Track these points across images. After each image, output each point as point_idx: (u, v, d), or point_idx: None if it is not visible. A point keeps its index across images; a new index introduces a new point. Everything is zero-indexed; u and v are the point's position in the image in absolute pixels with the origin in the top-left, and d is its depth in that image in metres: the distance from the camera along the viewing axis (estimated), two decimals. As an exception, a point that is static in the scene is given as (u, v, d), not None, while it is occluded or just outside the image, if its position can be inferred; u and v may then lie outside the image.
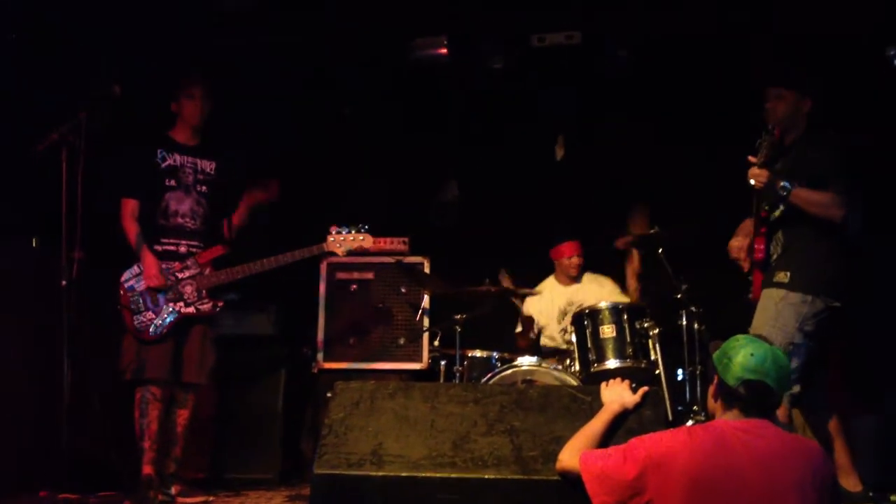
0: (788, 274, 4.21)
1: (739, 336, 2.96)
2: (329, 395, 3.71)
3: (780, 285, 4.20)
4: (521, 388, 3.94)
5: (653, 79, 5.92)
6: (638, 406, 3.38)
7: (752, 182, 4.12)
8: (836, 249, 4.22)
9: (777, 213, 4.29)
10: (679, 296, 5.22)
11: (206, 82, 5.02)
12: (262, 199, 5.13)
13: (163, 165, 4.94)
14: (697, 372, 5.30)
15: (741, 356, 2.87)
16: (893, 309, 5.06)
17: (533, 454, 3.33)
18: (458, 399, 3.55)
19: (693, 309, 5.22)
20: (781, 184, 4.10)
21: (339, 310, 6.05)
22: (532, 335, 6.07)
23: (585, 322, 5.11)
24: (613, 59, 5.96)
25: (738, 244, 4.55)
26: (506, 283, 5.84)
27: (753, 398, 2.85)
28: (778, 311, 4.16)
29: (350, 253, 5.07)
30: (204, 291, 4.87)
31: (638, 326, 5.05)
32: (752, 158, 4.13)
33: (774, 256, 4.32)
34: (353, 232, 4.99)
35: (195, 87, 4.98)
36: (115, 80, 4.65)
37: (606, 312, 5.09)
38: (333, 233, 4.99)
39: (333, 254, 5.04)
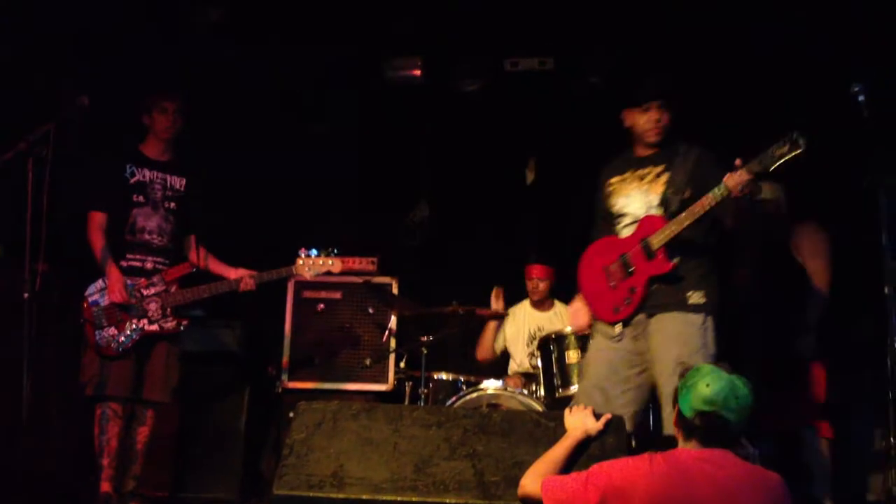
0: (703, 294, 4.04)
1: (704, 365, 2.97)
2: (291, 414, 3.70)
3: (697, 308, 4.01)
4: (484, 412, 3.93)
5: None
6: (601, 433, 3.40)
7: (740, 189, 3.74)
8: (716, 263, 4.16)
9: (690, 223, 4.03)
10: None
11: (180, 97, 4.99)
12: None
13: (132, 180, 4.90)
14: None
15: (699, 387, 2.87)
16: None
17: (495, 479, 3.34)
18: (422, 422, 3.55)
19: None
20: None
21: (306, 329, 6.03)
22: (493, 349, 6.06)
23: (551, 347, 5.12)
24: (585, 86, 6.01)
25: None
26: (498, 302, 5.86)
27: (709, 431, 2.87)
28: (704, 340, 3.98)
29: (318, 276, 5.05)
30: (169, 309, 4.82)
31: (604, 352, 5.05)
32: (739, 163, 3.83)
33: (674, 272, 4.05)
34: (321, 255, 4.97)
35: (169, 101, 4.95)
36: (84, 91, 4.61)
37: (572, 338, 5.09)
38: (302, 256, 4.96)
39: (301, 277, 5.04)
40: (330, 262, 4.99)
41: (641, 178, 4.24)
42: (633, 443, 4.23)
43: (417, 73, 6.23)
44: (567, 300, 5.98)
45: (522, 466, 3.25)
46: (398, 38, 6.00)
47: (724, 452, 2.86)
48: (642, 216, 4.15)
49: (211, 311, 5.76)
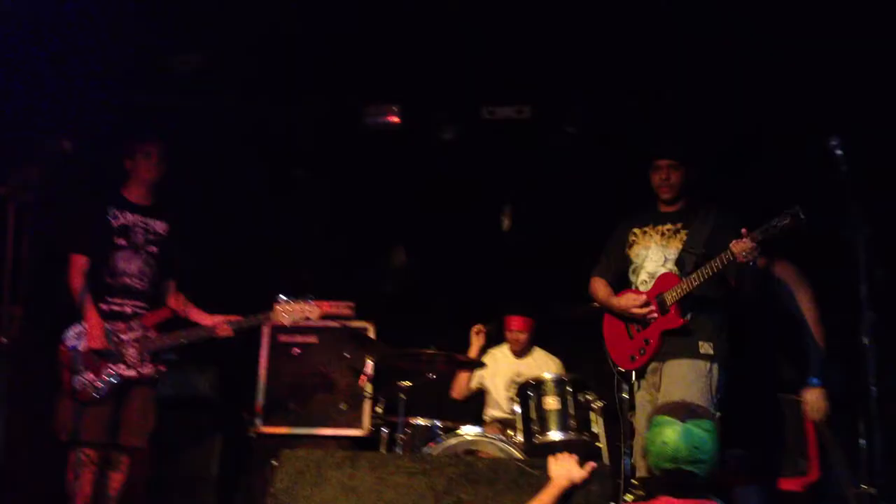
0: (712, 346, 4.41)
1: (659, 418, 2.99)
2: (274, 462, 3.68)
3: (705, 357, 4.39)
4: (469, 459, 3.93)
5: (602, 154, 6.04)
6: (586, 481, 3.42)
7: (744, 255, 4.09)
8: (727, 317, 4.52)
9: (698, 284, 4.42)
10: (622, 369, 5.25)
11: (163, 142, 5.00)
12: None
13: (114, 223, 4.88)
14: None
15: (657, 445, 2.92)
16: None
17: (480, 528, 3.34)
18: (406, 470, 3.55)
19: (634, 382, 5.24)
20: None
21: (280, 373, 6.02)
22: (469, 387, 6.06)
23: (530, 393, 5.13)
24: (562, 135, 6.09)
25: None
26: (479, 338, 5.88)
27: (677, 486, 2.91)
28: (709, 383, 4.35)
29: (296, 323, 5.04)
30: (147, 354, 4.79)
31: (581, 399, 5.08)
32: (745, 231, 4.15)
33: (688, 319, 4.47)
34: (300, 302, 4.97)
35: (152, 145, 4.96)
36: (66, 135, 4.60)
37: (550, 384, 5.11)
38: (281, 302, 4.95)
39: (282, 325, 5.03)
40: (308, 308, 4.98)
41: (662, 234, 4.65)
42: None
43: (395, 119, 6.26)
44: (546, 346, 6.06)
45: (508, 515, 3.27)
46: (376, 84, 6.02)
47: (706, 501, 2.90)
48: (658, 271, 4.59)
49: (184, 354, 5.70)
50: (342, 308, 5.79)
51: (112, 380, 4.69)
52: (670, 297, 4.47)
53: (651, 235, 4.71)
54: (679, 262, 4.55)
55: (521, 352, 6.03)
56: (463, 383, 6.10)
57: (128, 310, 4.84)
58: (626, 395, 4.77)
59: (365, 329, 5.92)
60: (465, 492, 3.46)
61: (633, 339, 4.66)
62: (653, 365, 4.56)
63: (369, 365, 5.89)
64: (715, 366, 4.40)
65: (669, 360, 4.48)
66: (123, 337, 4.76)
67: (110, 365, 4.70)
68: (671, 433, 2.89)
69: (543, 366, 5.92)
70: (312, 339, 6.06)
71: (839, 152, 3.73)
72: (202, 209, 5.80)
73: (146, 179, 4.97)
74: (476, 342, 5.98)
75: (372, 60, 5.75)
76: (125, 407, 4.77)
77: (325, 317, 5.49)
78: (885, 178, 4.72)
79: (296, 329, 5.91)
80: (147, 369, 4.80)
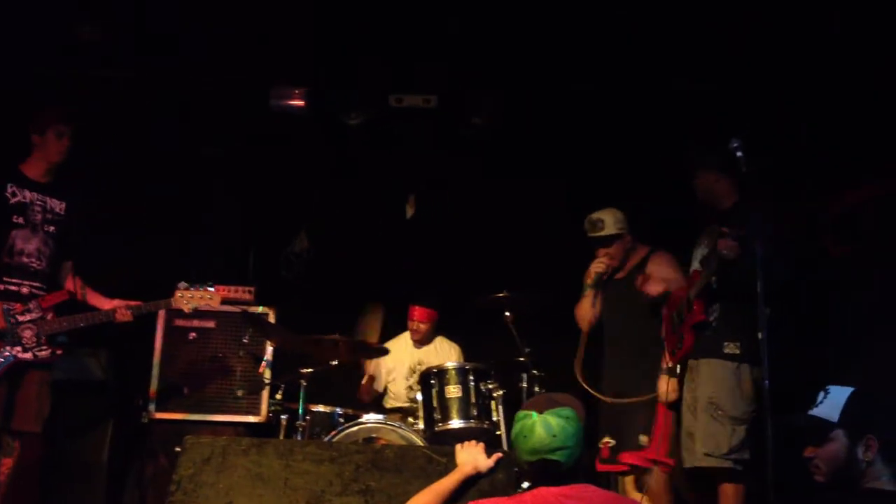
0: (738, 345, 4.49)
1: (519, 413, 3.08)
2: (178, 449, 3.61)
3: (731, 357, 4.48)
4: (377, 447, 3.94)
5: (509, 144, 6.11)
6: (491, 470, 3.47)
7: (725, 252, 4.28)
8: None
9: (714, 279, 4.56)
10: (522, 359, 5.35)
11: (75, 121, 4.83)
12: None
13: (12, 201, 4.69)
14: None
15: (519, 440, 3.02)
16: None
17: (388, 515, 3.36)
18: (314, 457, 3.54)
19: (535, 372, 5.35)
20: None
21: (176, 358, 5.89)
22: (376, 389, 6.07)
23: (432, 381, 5.16)
24: (468, 126, 6.13)
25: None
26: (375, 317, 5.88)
27: (545, 475, 3.00)
28: (738, 381, 4.45)
29: (196, 310, 4.97)
30: (43, 337, 4.64)
31: (483, 388, 5.14)
32: (725, 230, 4.34)
33: (713, 323, 4.58)
34: (201, 289, 4.89)
35: (66, 125, 4.78)
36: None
37: (453, 373, 5.15)
38: (181, 289, 4.88)
39: (180, 310, 4.95)
40: (209, 296, 4.91)
41: (709, 235, 4.72)
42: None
43: (301, 103, 6.19)
44: (449, 334, 6.11)
45: (415, 502, 3.29)
46: (285, 68, 5.95)
47: (584, 486, 2.99)
48: (692, 269, 4.76)
49: (75, 337, 5.54)
50: (242, 293, 5.72)
51: (5, 362, 4.51)
52: (692, 292, 4.62)
53: (706, 235, 4.75)
54: (703, 260, 4.68)
55: (421, 341, 6.07)
56: (368, 387, 6.10)
57: (24, 290, 4.66)
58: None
59: (265, 314, 5.86)
60: (373, 479, 3.46)
61: (674, 332, 4.79)
62: (690, 362, 4.68)
63: (269, 351, 5.82)
64: (744, 365, 4.47)
65: (701, 359, 4.61)
66: (20, 318, 4.59)
67: (6, 346, 4.53)
68: (529, 425, 2.99)
69: (444, 354, 5.98)
70: (210, 324, 5.95)
71: (740, 154, 3.84)
72: (102, 189, 5.62)
73: (54, 158, 4.80)
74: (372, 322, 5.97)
75: (280, 42, 5.68)
76: (20, 391, 4.60)
77: (225, 302, 5.42)
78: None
79: (193, 313, 5.82)
80: (44, 352, 4.65)
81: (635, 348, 5.08)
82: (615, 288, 5.26)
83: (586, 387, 5.09)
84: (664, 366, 4.84)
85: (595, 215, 5.20)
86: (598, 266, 5.24)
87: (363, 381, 6.10)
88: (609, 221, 5.16)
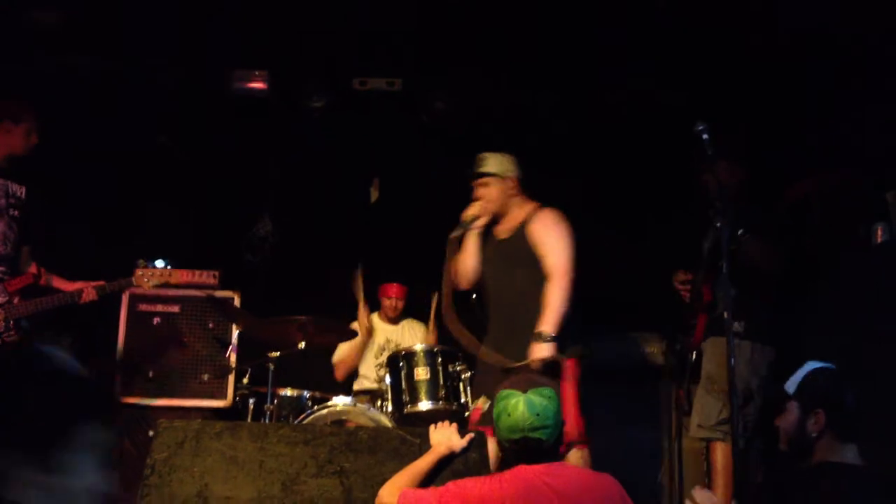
0: (742, 324, 4.63)
1: (501, 392, 3.15)
2: (151, 433, 3.61)
3: (736, 335, 4.47)
4: (350, 429, 3.96)
5: (473, 129, 6.13)
6: (465, 450, 3.52)
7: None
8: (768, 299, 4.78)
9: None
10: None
11: (37, 114, 4.81)
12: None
13: None
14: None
15: (502, 418, 3.09)
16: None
17: (363, 496, 3.41)
18: (288, 440, 3.56)
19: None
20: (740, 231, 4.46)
21: (140, 343, 5.86)
22: (355, 361, 6.05)
23: (400, 363, 5.15)
24: (431, 110, 6.15)
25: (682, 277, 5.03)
26: (358, 284, 5.85)
27: (527, 453, 3.09)
28: (747, 358, 4.61)
29: (157, 286, 4.96)
30: (11, 322, 4.60)
31: (451, 369, 5.13)
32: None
33: (719, 304, 4.67)
34: (160, 266, 4.87)
35: (31, 118, 4.77)
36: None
37: (421, 355, 5.14)
38: (141, 266, 4.85)
39: (140, 288, 4.93)
40: (169, 273, 4.89)
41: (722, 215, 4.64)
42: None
43: (263, 86, 6.16)
44: (418, 316, 6.13)
45: (390, 483, 3.32)
46: (246, 50, 5.91)
47: (560, 463, 3.11)
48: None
49: (36, 322, 5.48)
50: (207, 277, 5.68)
51: (-26, 346, 4.48)
52: (700, 276, 4.76)
53: None
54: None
55: (395, 318, 6.10)
56: (352, 357, 6.04)
57: (-10, 274, 4.62)
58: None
59: (230, 298, 5.84)
60: (348, 460, 3.50)
61: (695, 316, 4.88)
62: (704, 343, 4.83)
63: (234, 335, 5.81)
64: (745, 342, 4.64)
65: (710, 338, 4.77)
66: (-13, 303, 4.55)
67: (-25, 331, 4.50)
68: (514, 404, 3.06)
69: (412, 333, 6.00)
70: (174, 309, 5.95)
71: (706, 136, 3.88)
72: (64, 174, 5.56)
73: (16, 153, 4.79)
74: (360, 286, 5.97)
75: (244, 26, 5.63)
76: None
77: (189, 286, 5.39)
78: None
79: (156, 298, 5.81)
80: (12, 338, 4.61)
81: (517, 311, 4.71)
82: (498, 247, 4.86)
83: (467, 341, 4.81)
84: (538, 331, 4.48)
85: (484, 154, 4.86)
86: (472, 209, 4.83)
87: (344, 358, 6.08)
88: (493, 161, 4.80)
